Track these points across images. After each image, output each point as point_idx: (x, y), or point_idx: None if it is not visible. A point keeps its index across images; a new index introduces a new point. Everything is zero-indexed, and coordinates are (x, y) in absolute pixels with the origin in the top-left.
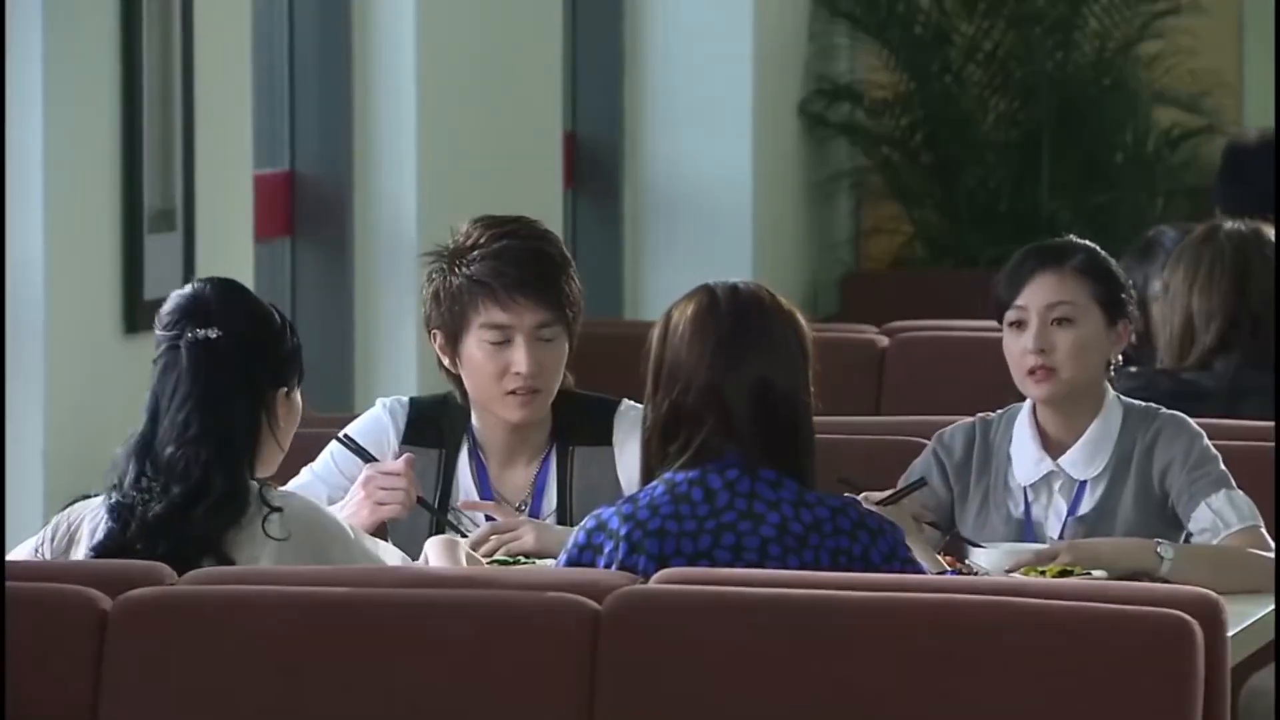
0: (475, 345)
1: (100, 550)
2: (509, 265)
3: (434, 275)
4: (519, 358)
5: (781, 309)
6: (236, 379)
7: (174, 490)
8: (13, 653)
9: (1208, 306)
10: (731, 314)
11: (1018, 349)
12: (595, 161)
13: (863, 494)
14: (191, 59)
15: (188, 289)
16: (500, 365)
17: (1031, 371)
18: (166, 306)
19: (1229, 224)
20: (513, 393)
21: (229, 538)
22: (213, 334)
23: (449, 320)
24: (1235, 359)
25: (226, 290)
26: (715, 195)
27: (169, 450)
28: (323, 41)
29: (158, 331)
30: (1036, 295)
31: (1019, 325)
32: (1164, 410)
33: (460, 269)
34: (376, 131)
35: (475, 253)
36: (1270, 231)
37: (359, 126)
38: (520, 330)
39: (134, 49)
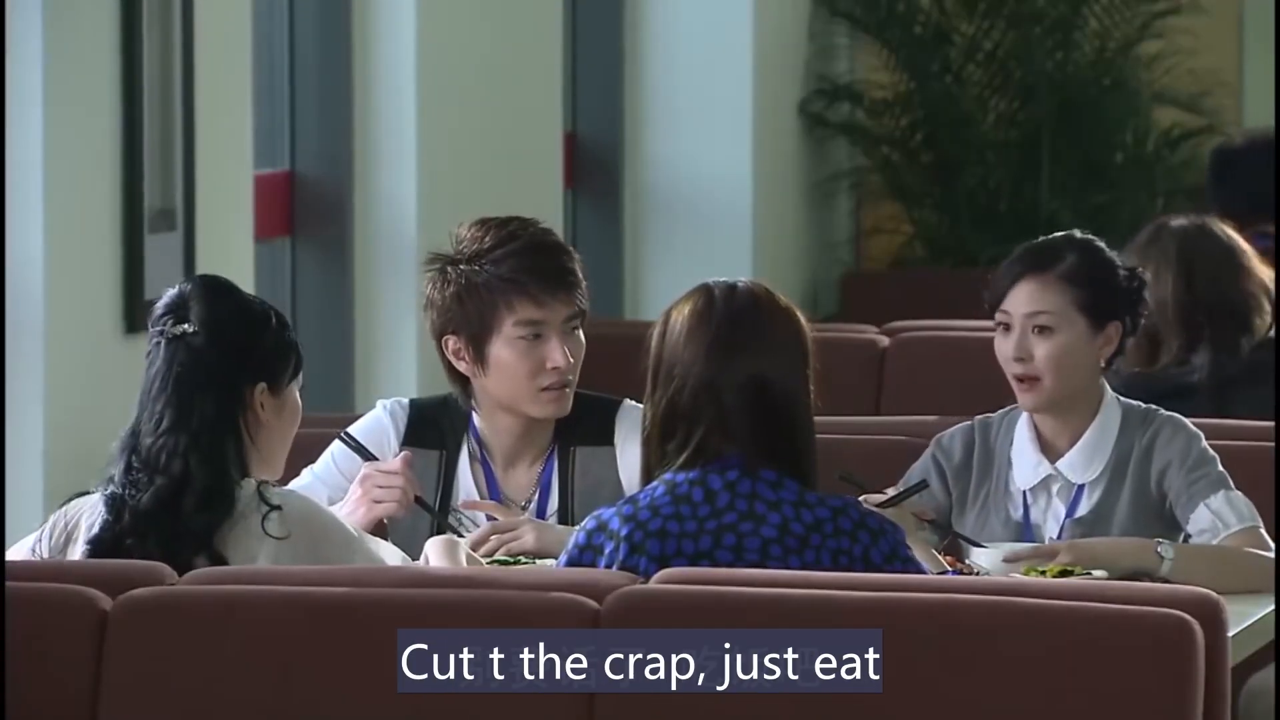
0: (505, 345)
1: (96, 542)
2: (538, 261)
3: (451, 279)
4: (554, 353)
5: (779, 307)
6: (206, 374)
7: (158, 481)
8: (13, 653)
9: (1160, 303)
10: (727, 312)
11: (1003, 353)
12: (595, 161)
13: (863, 495)
14: (191, 59)
15: (176, 287)
16: (534, 362)
17: (1018, 379)
18: (157, 304)
19: (1174, 221)
20: (546, 389)
21: (220, 536)
22: (187, 329)
23: (475, 322)
24: (1209, 353)
25: (208, 287)
26: (715, 195)
27: (148, 441)
28: (323, 41)
29: (149, 328)
30: (1019, 302)
31: (1005, 328)
32: (1162, 411)
33: (485, 269)
34: (376, 131)
35: (497, 251)
36: (1215, 224)
37: (359, 126)
38: (552, 325)
39: (134, 49)
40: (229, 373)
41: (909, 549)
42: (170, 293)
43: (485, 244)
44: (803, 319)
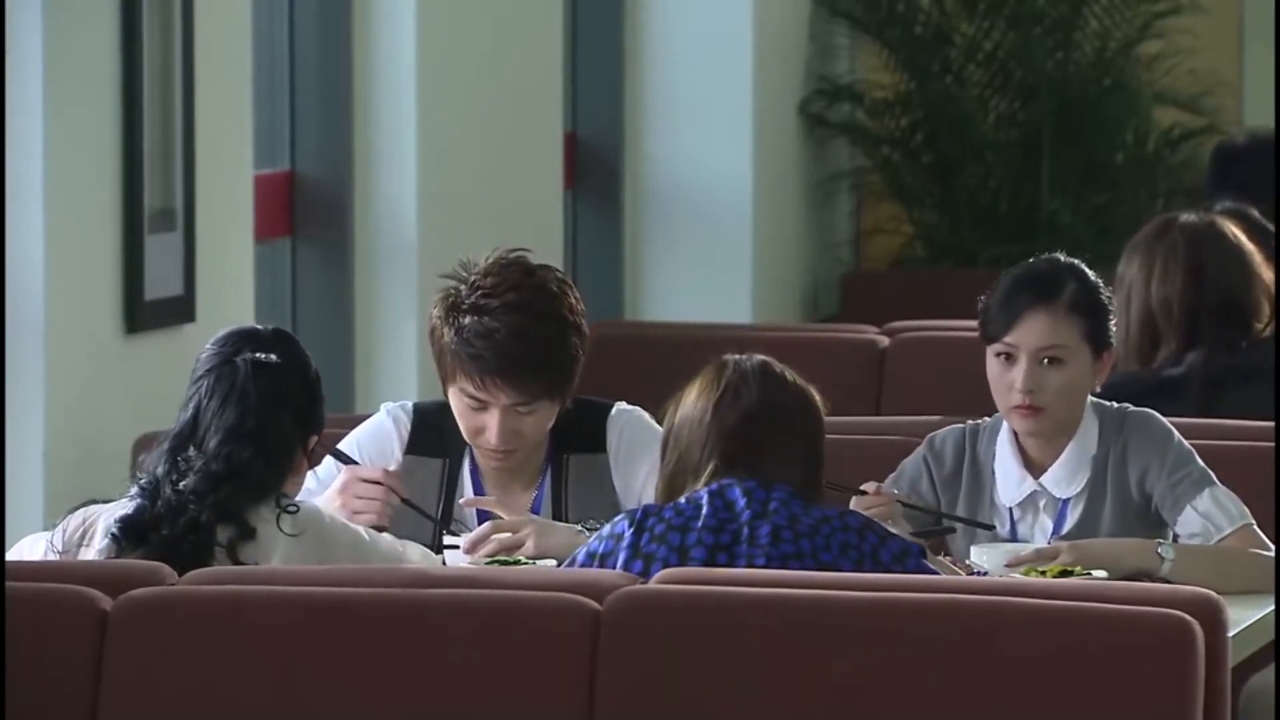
0: (455, 396)
1: (126, 522)
2: (488, 350)
3: (435, 309)
4: (491, 427)
5: (799, 394)
6: (287, 401)
7: (213, 467)
8: (13, 653)
9: (1165, 301)
10: (740, 419)
11: (1004, 382)
12: (595, 161)
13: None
14: (191, 59)
15: (244, 325)
16: (475, 425)
17: (1021, 408)
18: (220, 334)
19: (1184, 216)
20: (485, 449)
21: (249, 511)
22: (272, 358)
23: (438, 363)
24: (1203, 351)
25: (288, 336)
26: (715, 195)
27: (215, 440)
28: (323, 41)
29: (209, 350)
30: (1029, 336)
31: (1008, 359)
32: (1131, 411)
33: (450, 326)
34: (376, 131)
35: (467, 319)
36: (1225, 224)
37: (359, 126)
38: (495, 405)
39: (134, 49)
40: (303, 410)
41: (920, 560)
42: (239, 327)
43: (463, 299)
44: (818, 400)
